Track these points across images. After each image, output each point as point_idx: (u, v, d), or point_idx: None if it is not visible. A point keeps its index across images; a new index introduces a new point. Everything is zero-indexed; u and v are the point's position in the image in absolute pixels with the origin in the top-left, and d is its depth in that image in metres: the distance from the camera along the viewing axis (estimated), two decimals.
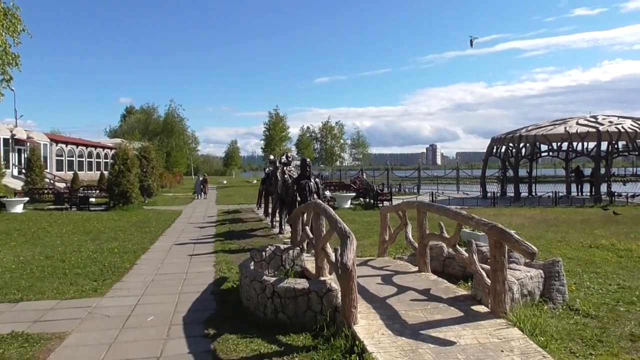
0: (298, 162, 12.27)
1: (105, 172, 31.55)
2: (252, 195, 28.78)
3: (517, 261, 6.62)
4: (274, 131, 55.76)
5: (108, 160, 47.74)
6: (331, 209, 5.98)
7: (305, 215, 7.55)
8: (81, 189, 24.26)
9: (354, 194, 22.49)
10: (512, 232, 5.02)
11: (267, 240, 11.34)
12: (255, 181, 57.75)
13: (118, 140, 53.83)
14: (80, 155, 45.25)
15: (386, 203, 20.21)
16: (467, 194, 27.14)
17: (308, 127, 66.85)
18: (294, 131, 71.84)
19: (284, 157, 11.87)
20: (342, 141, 64.36)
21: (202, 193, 29.61)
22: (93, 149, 48.02)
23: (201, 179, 31.34)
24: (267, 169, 17.00)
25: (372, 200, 21.34)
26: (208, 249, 10.40)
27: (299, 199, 9.95)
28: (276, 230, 13.04)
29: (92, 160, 47.45)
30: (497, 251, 5.06)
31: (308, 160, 10.34)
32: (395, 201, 19.43)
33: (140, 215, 17.57)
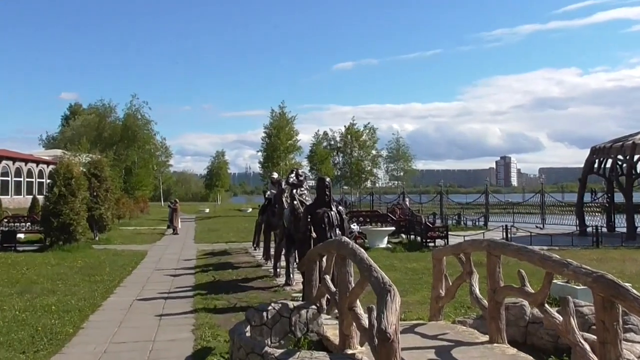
0: (313, 183, 12.33)
1: (40, 197, 32.10)
2: (247, 229, 28.84)
3: (637, 329, 6.46)
4: (278, 138, 56.26)
5: (44, 180, 48.69)
6: (361, 249, 5.96)
7: (324, 260, 7.53)
8: (5, 220, 24.67)
9: (393, 228, 22.44)
10: (627, 285, 4.93)
11: (268, 295, 11.34)
12: (250, 209, 58.04)
13: (58, 151, 54.98)
14: (4, 173, 46.17)
15: (440, 242, 20.13)
16: (540, 228, 26.69)
17: (325, 133, 67.49)
18: (305, 138, 72.58)
19: (292, 175, 11.93)
20: (374, 152, 64.95)
21: (172, 226, 29.81)
22: (22, 164, 48.95)
23: (170, 205, 31.59)
24: (268, 193, 17.13)
25: (419, 238, 21.30)
26: (184, 307, 10.44)
27: (314, 235, 9.94)
28: (281, 280, 13.06)
29: (21, 179, 48.35)
30: (607, 314, 4.96)
31: (327, 179, 10.33)
32: (453, 239, 19.26)
33: (88, 258, 17.75)
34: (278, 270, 13.94)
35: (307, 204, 11.02)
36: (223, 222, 39.67)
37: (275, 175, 18.24)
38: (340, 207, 10.46)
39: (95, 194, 24.04)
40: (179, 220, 30.92)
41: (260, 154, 58.56)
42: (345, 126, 65.51)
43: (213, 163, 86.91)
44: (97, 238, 23.81)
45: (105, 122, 64.87)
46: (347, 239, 6.56)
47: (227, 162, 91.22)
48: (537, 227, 27.11)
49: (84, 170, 24.74)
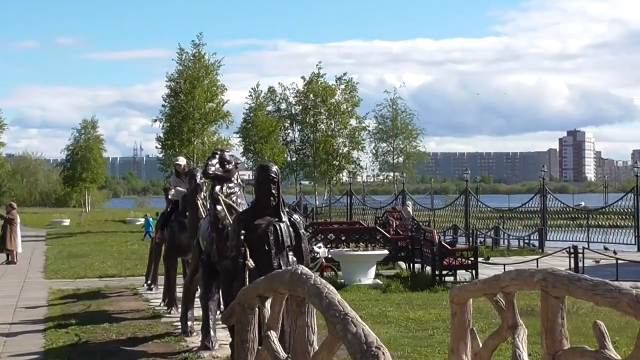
0: (249, 175, 12.27)
1: None
2: (136, 254, 28.68)
3: None
4: (191, 98, 55.85)
5: None
6: (331, 287, 5.98)
7: (267, 305, 7.54)
8: None
9: (386, 251, 22.50)
10: None
11: None
12: (142, 220, 57.28)
13: None
14: None
15: (464, 274, 20.43)
16: (608, 251, 27.16)
17: (271, 90, 67.46)
18: (237, 98, 72.06)
19: (214, 160, 11.85)
20: (353, 123, 65.12)
21: (6, 249, 29.46)
22: None
23: (2, 215, 31.17)
24: (173, 192, 17.04)
25: (429, 268, 21.56)
26: None
27: (250, 263, 9.96)
28: (195, 340, 13.08)
29: None
30: None
31: (274, 168, 10.34)
32: (487, 271, 19.45)
33: None
34: (190, 323, 13.89)
35: (240, 210, 11.02)
36: (95, 242, 39.30)
37: (183, 161, 18.11)
38: (295, 216, 10.49)
39: None
40: (18, 239, 30.49)
41: (159, 124, 57.97)
42: (304, 78, 65.68)
43: (77, 141, 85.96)
44: None
45: None
46: (306, 270, 6.57)
47: (101, 139, 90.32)
48: (606, 248, 27.57)
49: None
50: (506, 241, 33.54)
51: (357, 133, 64.99)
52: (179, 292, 15.70)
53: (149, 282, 20.14)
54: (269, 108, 66.22)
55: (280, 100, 66.66)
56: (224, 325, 11.06)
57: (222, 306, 11.69)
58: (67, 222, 59.04)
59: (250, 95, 65.95)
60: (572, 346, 6.96)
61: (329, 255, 21.57)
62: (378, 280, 20.76)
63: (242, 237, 10.03)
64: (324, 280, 6.16)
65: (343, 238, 24.22)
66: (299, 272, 6.55)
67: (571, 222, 37.94)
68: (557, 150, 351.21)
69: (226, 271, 10.76)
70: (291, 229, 10.09)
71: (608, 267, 21.95)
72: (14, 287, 21.55)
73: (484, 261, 22.54)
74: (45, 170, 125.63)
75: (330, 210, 52.41)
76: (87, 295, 19.54)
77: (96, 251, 33.01)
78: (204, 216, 12.78)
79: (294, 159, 65.15)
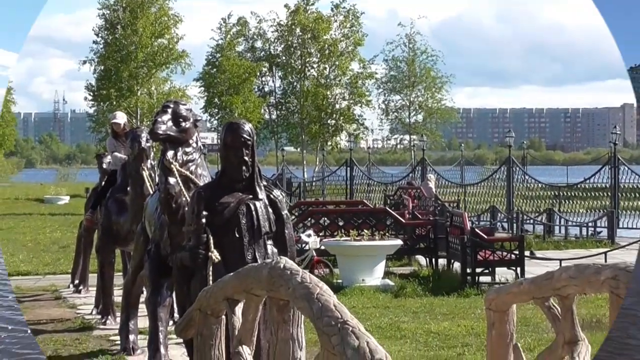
0: (213, 138, 12.23)
1: None
2: (59, 245, 28.71)
3: None
4: (132, 31, 55.69)
5: None
6: (325, 286, 6.02)
7: (237, 311, 7.59)
8: None
9: (399, 241, 22.47)
10: None
11: None
12: (67, 199, 57.03)
13: None
14: None
15: (506, 273, 20.53)
16: None
17: (242, 21, 66.81)
18: (196, 33, 71.29)
19: (165, 116, 11.85)
20: (355, 68, 64.78)
21: None
22: None
23: None
24: (108, 159, 17.08)
25: (457, 264, 21.74)
26: None
27: (215, 255, 10.00)
28: (138, 358, 13.23)
29: None
30: None
31: (247, 128, 10.34)
32: (536, 269, 19.54)
33: None
34: (132, 337, 13.93)
35: (201, 184, 11.03)
36: (1, 228, 39.29)
37: (122, 118, 18.08)
38: (276, 193, 10.49)
39: None
40: None
41: (89, 68, 58.01)
42: (288, 7, 65.02)
43: None
44: None
45: None
46: (291, 264, 6.61)
47: (9, 87, 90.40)
48: None
49: None
50: (563, 229, 33.55)
51: (360, 82, 64.68)
52: (117, 295, 15.73)
53: (77, 281, 20.14)
54: (240, 48, 65.63)
55: (255, 37, 66.14)
56: (179, 340, 11.11)
57: (176, 314, 11.71)
58: None
59: (219, 29, 65.35)
60: None
61: (322, 247, 21.57)
62: (388, 281, 20.87)
63: (203, 220, 10.05)
64: (315, 278, 6.19)
65: (341, 223, 24.23)
66: (281, 266, 6.54)
67: None
68: (635, 105, 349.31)
69: (182, 266, 10.79)
70: (270, 210, 10.11)
71: None
72: None
73: (530, 256, 22.63)
74: None
75: (323, 186, 52.45)
76: None
77: (3, 240, 33.01)
78: (151, 192, 12.80)
79: (274, 116, 64.96)
